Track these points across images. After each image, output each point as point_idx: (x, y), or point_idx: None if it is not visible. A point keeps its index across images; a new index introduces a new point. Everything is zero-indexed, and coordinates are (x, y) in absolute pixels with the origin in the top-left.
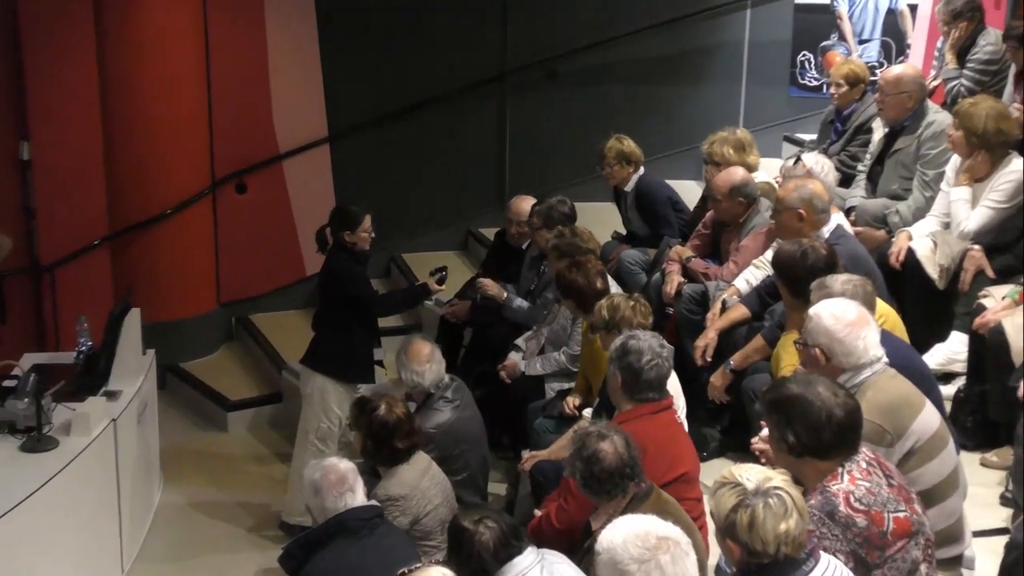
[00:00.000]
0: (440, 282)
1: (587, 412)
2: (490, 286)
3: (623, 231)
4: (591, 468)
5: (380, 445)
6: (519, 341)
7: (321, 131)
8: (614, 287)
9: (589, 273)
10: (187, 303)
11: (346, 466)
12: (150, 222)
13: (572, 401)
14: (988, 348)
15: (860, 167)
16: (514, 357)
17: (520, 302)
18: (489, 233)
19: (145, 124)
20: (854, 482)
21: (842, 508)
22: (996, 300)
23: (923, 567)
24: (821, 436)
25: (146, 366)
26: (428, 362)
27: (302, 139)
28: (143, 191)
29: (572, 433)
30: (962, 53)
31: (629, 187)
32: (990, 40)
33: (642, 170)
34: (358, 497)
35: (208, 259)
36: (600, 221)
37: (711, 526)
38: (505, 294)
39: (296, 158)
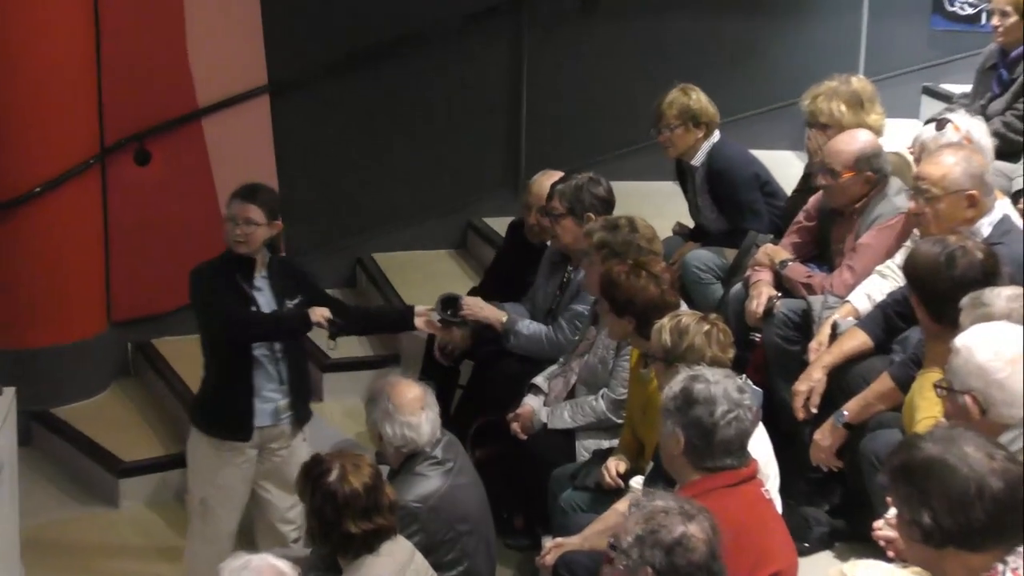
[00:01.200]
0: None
1: (636, 482)
2: (479, 308)
3: (689, 223)
4: (675, 561)
5: (329, 528)
6: (539, 380)
7: (258, 78)
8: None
9: (662, 280)
10: (63, 323)
11: (278, 566)
12: (7, 206)
13: (615, 466)
14: None
15: None
16: (532, 403)
17: (530, 326)
18: (499, 225)
19: (2, 69)
20: None
21: None
22: None
23: None
24: (970, 517)
25: (2, 413)
26: (423, 409)
27: (231, 89)
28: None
29: (626, 510)
30: None
31: (698, 160)
32: None
33: (717, 136)
34: None
35: (94, 259)
36: (654, 209)
37: None
38: (505, 316)
39: (222, 115)
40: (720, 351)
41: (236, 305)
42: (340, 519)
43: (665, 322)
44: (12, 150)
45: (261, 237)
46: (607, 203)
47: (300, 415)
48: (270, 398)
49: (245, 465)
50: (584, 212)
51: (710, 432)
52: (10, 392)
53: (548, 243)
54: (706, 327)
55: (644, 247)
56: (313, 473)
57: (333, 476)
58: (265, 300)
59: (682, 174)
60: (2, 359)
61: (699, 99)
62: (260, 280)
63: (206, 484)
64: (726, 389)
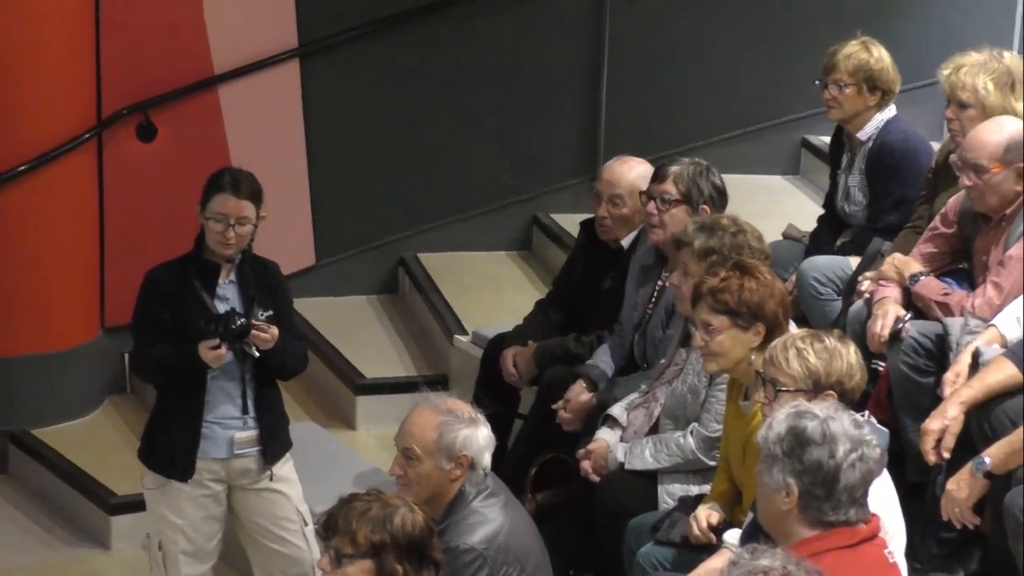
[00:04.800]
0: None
1: (731, 536)
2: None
3: (802, 226)
4: None
5: (421, 560)
6: (616, 410)
7: (287, 39)
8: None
9: (775, 288)
10: (46, 328)
11: None
12: None
13: (706, 517)
14: None
15: None
16: (606, 438)
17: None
18: (571, 223)
19: None
20: None
21: None
22: None
23: None
24: None
25: None
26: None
27: (254, 52)
28: None
29: (721, 570)
30: None
31: (866, 133)
32: None
33: (892, 110)
34: None
35: (86, 252)
36: (759, 208)
37: None
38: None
39: (242, 83)
40: (862, 379)
41: (149, 328)
42: (428, 549)
43: (800, 344)
44: None
45: (249, 237)
46: (723, 197)
47: (269, 450)
48: (229, 426)
49: (206, 500)
50: (701, 203)
51: (833, 478)
52: None
53: (625, 243)
54: (851, 346)
55: (756, 247)
56: (377, 516)
57: (403, 512)
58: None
59: (837, 146)
60: None
61: (881, 59)
62: (226, 287)
63: (160, 523)
64: (843, 424)
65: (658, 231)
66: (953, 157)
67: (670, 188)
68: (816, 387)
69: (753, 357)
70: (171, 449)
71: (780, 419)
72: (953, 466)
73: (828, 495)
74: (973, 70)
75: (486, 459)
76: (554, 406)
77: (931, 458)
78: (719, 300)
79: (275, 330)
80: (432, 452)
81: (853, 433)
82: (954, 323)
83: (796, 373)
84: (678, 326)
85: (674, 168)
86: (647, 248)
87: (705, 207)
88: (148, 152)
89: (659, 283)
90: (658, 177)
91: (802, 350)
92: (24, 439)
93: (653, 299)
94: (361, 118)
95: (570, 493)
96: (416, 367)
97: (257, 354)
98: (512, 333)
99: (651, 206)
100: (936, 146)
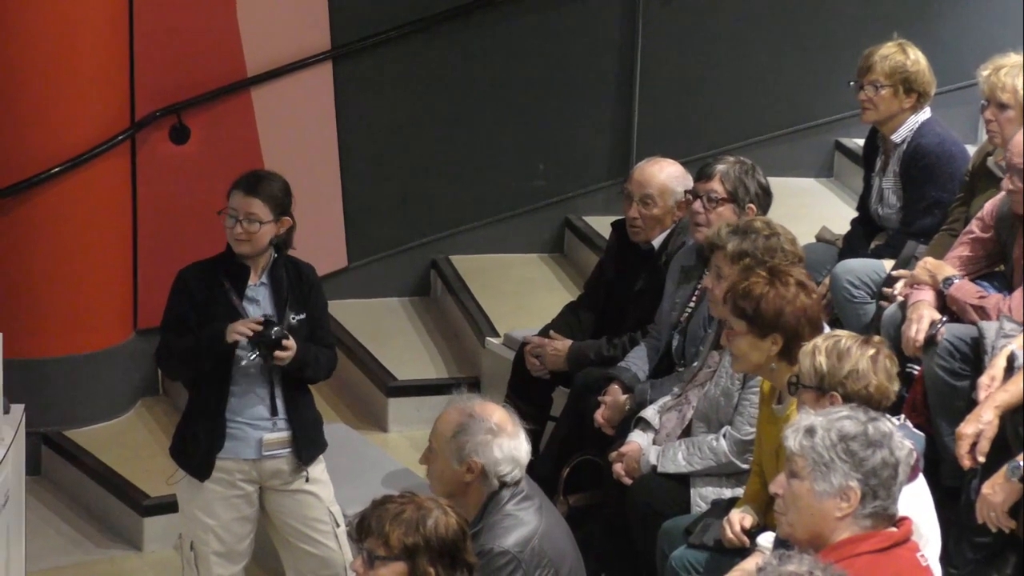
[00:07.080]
0: (266, 342)
1: (765, 540)
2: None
3: (835, 229)
4: None
5: (454, 563)
6: (648, 413)
7: (320, 42)
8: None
9: (798, 300)
10: (80, 329)
11: None
12: (16, 189)
13: (739, 520)
14: None
15: None
16: (639, 440)
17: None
18: (603, 226)
19: (12, 30)
20: None
21: None
22: None
23: None
24: None
25: (9, 434)
26: (518, 428)
27: (286, 54)
28: (8, 138)
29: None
30: None
31: (900, 135)
32: None
33: (927, 112)
34: None
35: (119, 253)
36: (793, 210)
37: None
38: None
39: (276, 86)
40: (887, 380)
41: (175, 327)
42: (462, 552)
43: (819, 342)
44: (26, 123)
45: (266, 237)
46: (769, 196)
47: (304, 452)
48: (258, 427)
49: (238, 501)
50: (747, 202)
51: (894, 475)
52: (18, 410)
53: (655, 243)
54: (871, 351)
55: (789, 250)
56: (410, 519)
57: (437, 514)
58: (260, 313)
59: (871, 148)
60: (8, 371)
61: (918, 61)
62: (257, 288)
63: (192, 524)
64: (881, 428)
65: (704, 230)
66: (993, 159)
67: (716, 187)
68: (820, 386)
69: (774, 365)
70: (194, 446)
71: (832, 422)
72: (988, 470)
73: (888, 494)
74: (1013, 71)
75: (504, 470)
76: (600, 397)
77: (966, 462)
78: (738, 306)
79: (292, 351)
80: (444, 450)
81: (890, 437)
82: (989, 327)
83: (804, 369)
84: (714, 327)
85: (720, 167)
86: (688, 248)
87: (751, 206)
88: (181, 154)
89: (700, 282)
90: (704, 176)
91: (816, 348)
92: (57, 440)
93: (695, 297)
94: (393, 120)
95: (602, 496)
96: (448, 369)
97: (269, 362)
98: (540, 334)
99: (697, 205)
100: (971, 149)
